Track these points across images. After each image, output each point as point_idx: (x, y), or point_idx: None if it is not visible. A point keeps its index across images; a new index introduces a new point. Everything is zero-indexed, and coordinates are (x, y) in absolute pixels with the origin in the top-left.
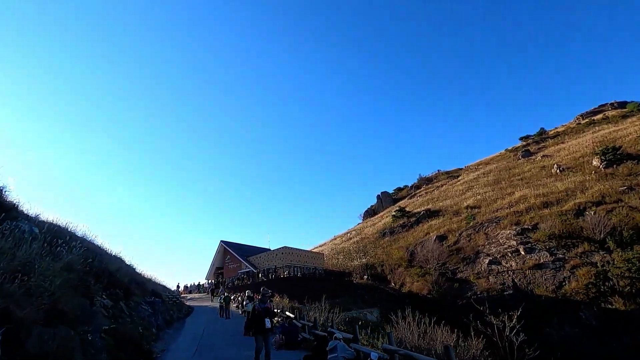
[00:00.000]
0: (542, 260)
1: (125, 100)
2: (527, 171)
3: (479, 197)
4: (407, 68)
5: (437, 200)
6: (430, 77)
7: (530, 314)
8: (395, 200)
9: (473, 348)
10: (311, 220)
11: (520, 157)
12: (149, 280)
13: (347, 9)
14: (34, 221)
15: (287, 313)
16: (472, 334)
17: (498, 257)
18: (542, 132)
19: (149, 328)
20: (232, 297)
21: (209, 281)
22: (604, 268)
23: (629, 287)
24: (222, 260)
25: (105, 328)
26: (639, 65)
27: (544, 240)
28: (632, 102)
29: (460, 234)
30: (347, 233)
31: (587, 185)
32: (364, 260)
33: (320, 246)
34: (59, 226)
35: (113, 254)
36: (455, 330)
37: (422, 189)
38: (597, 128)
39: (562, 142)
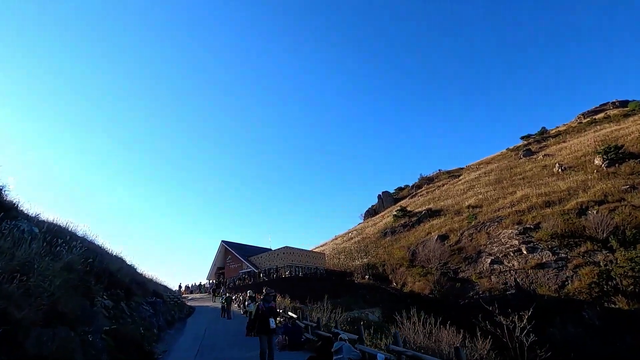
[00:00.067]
0: (544, 260)
1: (125, 100)
2: (529, 170)
3: (481, 196)
4: (407, 68)
5: (438, 199)
6: (430, 77)
7: (533, 314)
8: (396, 200)
9: (481, 349)
10: (312, 220)
11: (521, 156)
12: (150, 281)
13: (347, 9)
14: (34, 221)
15: (290, 313)
16: (479, 334)
17: (500, 256)
18: (543, 131)
19: (150, 329)
20: (233, 297)
21: (210, 281)
22: (607, 267)
23: (632, 287)
24: (223, 260)
25: (106, 329)
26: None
27: (546, 239)
28: (633, 100)
29: (461, 234)
30: (348, 233)
31: (589, 185)
32: (365, 260)
33: (321, 246)
34: (59, 226)
35: (114, 254)
36: (461, 331)
37: (423, 188)
38: (598, 127)
39: (564, 141)
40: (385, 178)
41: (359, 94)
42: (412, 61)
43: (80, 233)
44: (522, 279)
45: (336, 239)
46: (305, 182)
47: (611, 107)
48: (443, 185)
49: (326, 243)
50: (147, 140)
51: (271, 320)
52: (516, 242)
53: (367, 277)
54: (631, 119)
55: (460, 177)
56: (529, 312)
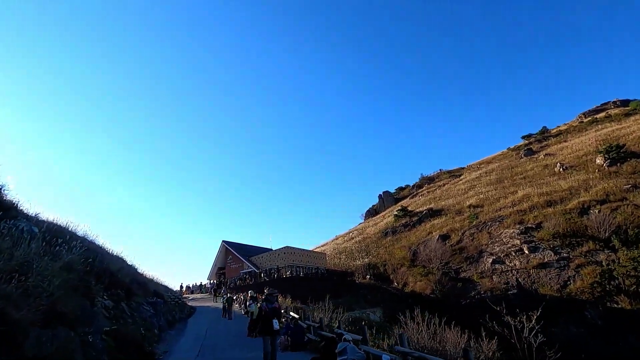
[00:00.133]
0: (546, 260)
1: (125, 100)
2: (530, 170)
3: (482, 196)
4: (407, 68)
5: (439, 199)
6: (430, 77)
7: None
8: (397, 200)
9: (486, 350)
10: (313, 220)
11: (522, 155)
12: (151, 281)
13: (347, 9)
14: (33, 220)
15: (292, 313)
16: (484, 334)
17: (502, 256)
18: (544, 130)
19: (151, 329)
20: (234, 298)
21: (211, 281)
22: (609, 267)
23: (634, 286)
24: (224, 260)
25: (107, 329)
26: None
27: (548, 239)
28: (635, 100)
29: (463, 233)
30: (349, 233)
31: (591, 184)
32: (366, 260)
33: (322, 246)
34: (59, 226)
35: (114, 254)
36: (466, 331)
37: (424, 188)
38: (600, 126)
39: (565, 141)
40: (386, 178)
41: (359, 94)
42: (412, 61)
43: (80, 233)
44: (523, 279)
45: (337, 238)
46: (305, 182)
47: (612, 107)
48: (444, 184)
49: (327, 243)
50: (147, 140)
51: (275, 321)
52: (518, 241)
53: (368, 277)
54: (632, 118)
55: (461, 177)
56: (537, 312)
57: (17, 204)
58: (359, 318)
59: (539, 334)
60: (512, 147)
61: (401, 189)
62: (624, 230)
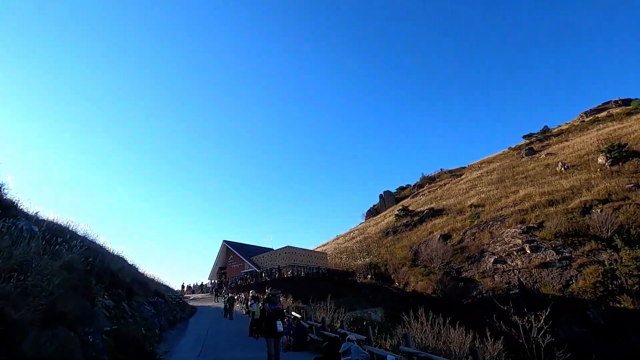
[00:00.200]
0: (548, 259)
1: (125, 100)
2: (531, 169)
3: (483, 195)
4: (407, 68)
5: (440, 199)
6: (430, 77)
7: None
8: (398, 200)
9: (492, 350)
10: (314, 220)
11: (524, 155)
12: (152, 281)
13: (347, 9)
14: (33, 219)
15: (294, 313)
16: (489, 334)
17: (503, 255)
18: (545, 130)
19: (152, 329)
20: (235, 298)
21: (212, 281)
22: (612, 266)
23: (637, 286)
24: (225, 260)
25: (107, 329)
26: None
27: (550, 238)
28: (636, 99)
29: (464, 233)
30: (350, 232)
31: (593, 183)
32: (367, 259)
33: (323, 246)
34: (59, 225)
35: (115, 253)
36: (470, 331)
37: (425, 187)
38: (601, 126)
39: (566, 140)
40: (387, 177)
41: (359, 94)
42: (412, 61)
43: (80, 232)
44: (525, 279)
45: (338, 238)
46: (305, 182)
47: (613, 106)
48: (445, 184)
49: (328, 243)
50: (147, 140)
51: (278, 322)
52: (519, 241)
53: (369, 276)
54: (634, 117)
55: (462, 177)
56: (545, 312)
57: (16, 203)
58: (360, 318)
59: (547, 334)
60: (513, 146)
61: (402, 188)
62: (627, 230)
